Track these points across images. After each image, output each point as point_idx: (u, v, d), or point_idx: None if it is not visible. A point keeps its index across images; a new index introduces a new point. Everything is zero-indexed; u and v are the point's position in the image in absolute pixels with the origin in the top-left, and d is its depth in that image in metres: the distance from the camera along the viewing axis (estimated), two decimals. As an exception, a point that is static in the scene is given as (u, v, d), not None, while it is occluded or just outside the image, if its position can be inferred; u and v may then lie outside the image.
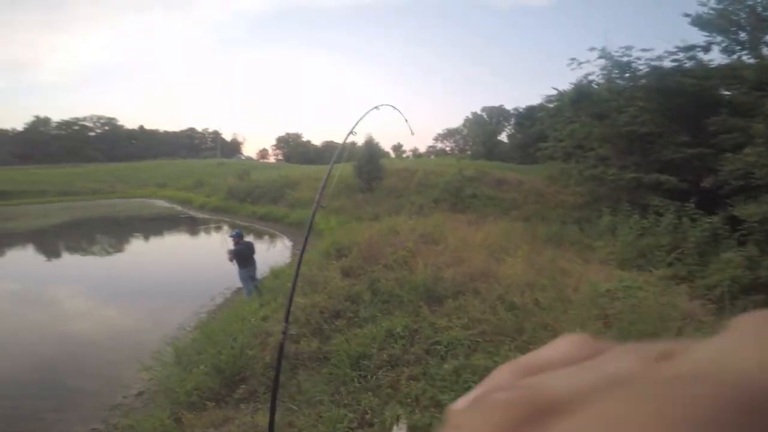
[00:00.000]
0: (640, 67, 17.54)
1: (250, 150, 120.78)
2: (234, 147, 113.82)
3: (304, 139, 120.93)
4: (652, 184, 15.04)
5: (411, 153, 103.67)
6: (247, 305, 6.86)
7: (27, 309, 11.01)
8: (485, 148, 53.22)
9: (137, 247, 20.98)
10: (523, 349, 4.25)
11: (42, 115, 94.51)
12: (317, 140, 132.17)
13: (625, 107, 16.79)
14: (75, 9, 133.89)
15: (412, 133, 4.35)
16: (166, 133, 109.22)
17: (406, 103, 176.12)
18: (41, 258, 18.29)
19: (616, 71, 18.36)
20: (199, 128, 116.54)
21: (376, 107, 3.69)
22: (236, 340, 4.97)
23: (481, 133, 55.04)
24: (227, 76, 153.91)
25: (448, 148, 67.48)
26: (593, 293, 5.18)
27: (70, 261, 17.84)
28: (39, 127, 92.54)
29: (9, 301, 11.79)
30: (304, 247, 3.00)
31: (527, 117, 49.99)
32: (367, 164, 24.40)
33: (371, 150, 25.14)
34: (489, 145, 53.54)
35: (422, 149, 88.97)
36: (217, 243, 12.06)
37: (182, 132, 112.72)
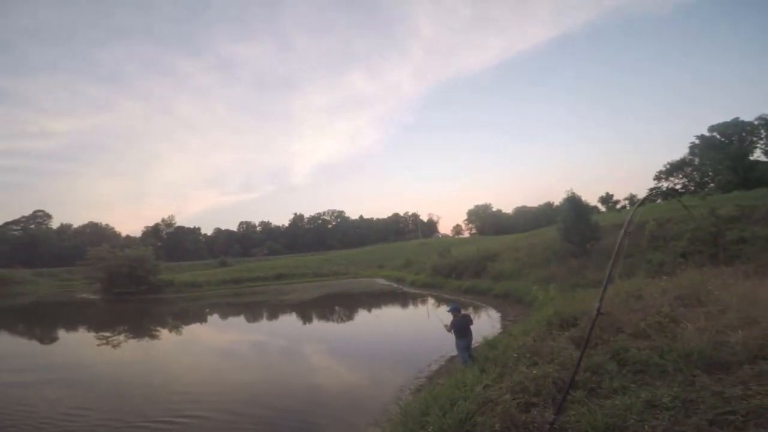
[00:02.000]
0: None
1: (445, 228, 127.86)
2: (431, 227, 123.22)
3: (494, 209, 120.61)
4: None
5: (627, 202, 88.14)
6: (468, 372, 6.75)
7: (289, 360, 14.20)
8: (737, 176, 40.32)
9: (368, 318, 24.42)
10: None
11: (298, 212, 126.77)
12: (507, 207, 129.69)
13: None
14: (303, 121, 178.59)
15: (686, 208, 3.73)
16: (378, 220, 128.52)
17: (601, 147, 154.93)
18: (301, 323, 23.61)
19: None
20: (401, 213, 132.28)
21: (650, 200, 3.37)
22: (457, 406, 4.89)
23: (723, 158, 42.37)
24: (410, 160, 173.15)
25: (678, 186, 54.05)
26: None
27: (322, 327, 22.38)
28: (297, 222, 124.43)
29: (280, 353, 15.46)
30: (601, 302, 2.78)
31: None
32: (575, 224, 21.87)
33: (576, 206, 22.46)
34: (741, 170, 40.41)
35: (641, 194, 74.53)
36: (428, 315, 12.78)
37: (389, 218, 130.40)
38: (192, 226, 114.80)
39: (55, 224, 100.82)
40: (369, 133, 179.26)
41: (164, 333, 22.55)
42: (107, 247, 47.64)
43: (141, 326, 24.79)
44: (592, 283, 15.58)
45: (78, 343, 20.21)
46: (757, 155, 41.70)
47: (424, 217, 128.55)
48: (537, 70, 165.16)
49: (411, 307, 26.31)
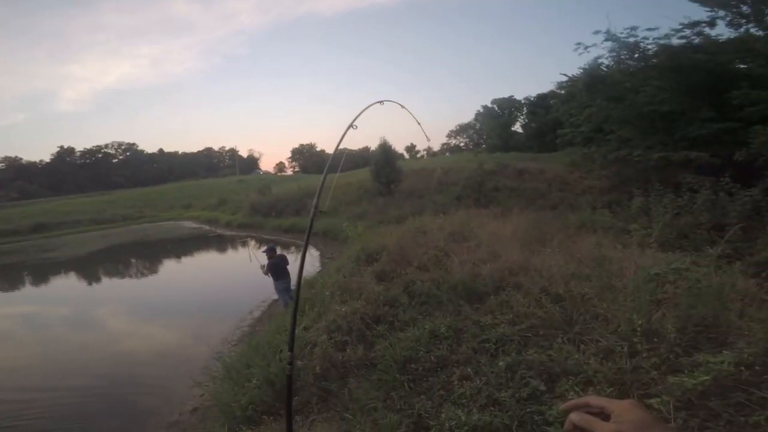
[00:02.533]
0: (649, 47, 17.41)
1: (267, 165, 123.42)
2: (251, 163, 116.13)
3: (318, 149, 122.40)
4: (681, 161, 14.63)
5: (425, 152, 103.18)
6: (286, 316, 6.96)
7: (81, 331, 11.64)
8: (501, 140, 52.39)
9: (172, 267, 21.74)
10: (576, 342, 4.12)
11: (66, 145, 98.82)
12: (331, 149, 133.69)
13: (641, 87, 16.66)
14: (83, 40, 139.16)
15: (420, 125, 4.29)
16: (185, 155, 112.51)
17: (415, 102, 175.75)
18: (83, 283, 19.21)
19: (625, 52, 18.29)
20: (216, 147, 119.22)
21: (380, 102, 3.62)
22: (282, 352, 5.05)
23: (495, 126, 54.26)
24: (236, 93, 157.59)
25: (462, 144, 66.80)
26: (642, 278, 4.97)
27: (109, 285, 18.69)
28: (65, 157, 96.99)
29: (63, 324, 12.47)
30: (302, 263, 2.95)
31: (540, 105, 49.09)
32: (384, 167, 24.49)
33: (386, 153, 25.23)
34: (504, 136, 52.71)
35: (436, 147, 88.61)
36: (247, 258, 12.32)
37: (200, 152, 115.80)
38: None
39: None
40: (183, 60, 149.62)
41: None
42: None
43: None
44: (394, 219, 17.88)
45: None
46: (517, 127, 54.65)
47: (244, 153, 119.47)
48: (379, 22, 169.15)
49: (227, 251, 24.82)
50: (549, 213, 14.76)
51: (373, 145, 28.77)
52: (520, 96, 55.96)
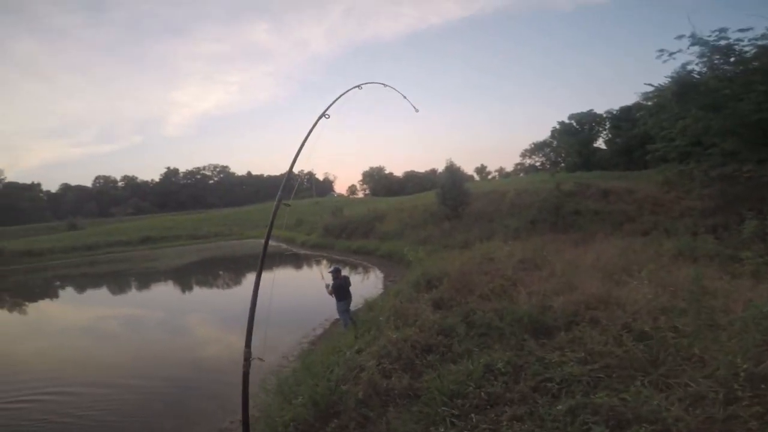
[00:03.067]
0: (746, 49, 15.33)
1: (340, 187, 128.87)
2: (327, 186, 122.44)
3: (387, 172, 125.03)
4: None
5: (497, 173, 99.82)
6: (344, 337, 6.95)
7: (165, 334, 13.13)
8: (581, 158, 48.65)
9: (251, 280, 23.21)
10: (659, 385, 3.62)
11: (172, 166, 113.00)
12: (399, 171, 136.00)
13: (744, 94, 14.48)
14: (184, 68, 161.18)
15: (405, 98, 4.54)
16: (269, 177, 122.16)
17: (486, 120, 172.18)
18: (176, 291, 21.71)
19: (718, 57, 16.10)
20: (296, 170, 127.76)
21: (357, 86, 3.54)
22: (332, 373, 5.01)
23: (573, 143, 50.58)
24: (313, 117, 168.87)
25: (538, 164, 63.30)
26: (754, 315, 4.20)
27: (197, 293, 20.81)
28: (171, 177, 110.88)
29: (153, 326, 14.13)
30: (260, 269, 2.83)
31: (624, 119, 44.78)
32: (451, 190, 23.90)
33: (453, 174, 24.64)
34: (585, 154, 48.89)
35: (509, 168, 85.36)
36: (317, 277, 12.87)
37: (282, 175, 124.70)
38: (30, 182, 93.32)
39: None
40: (266, 87, 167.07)
41: (1, 314, 18.50)
42: None
43: None
44: (460, 244, 17.30)
45: None
46: (599, 143, 50.64)
47: (320, 176, 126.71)
48: (442, 45, 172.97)
49: (300, 269, 26.00)
50: (639, 239, 13.08)
51: (440, 167, 28.53)
52: (600, 109, 51.92)
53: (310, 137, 3.51)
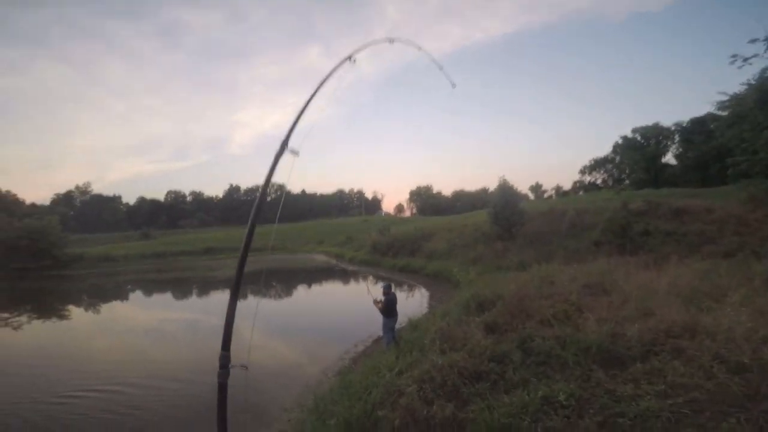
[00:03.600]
0: None
1: (388, 206, 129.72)
2: (375, 204, 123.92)
3: (435, 191, 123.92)
4: None
5: (553, 192, 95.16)
6: (384, 357, 6.58)
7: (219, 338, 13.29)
8: (648, 175, 44.94)
9: (302, 293, 23.79)
10: (760, 423, 3.09)
11: (234, 183, 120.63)
12: (447, 190, 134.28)
13: None
14: (245, 90, 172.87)
15: (441, 70, 3.86)
16: (321, 196, 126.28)
17: (540, 136, 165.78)
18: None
19: None
20: (346, 189, 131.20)
21: (389, 40, 3.19)
22: (370, 395, 4.69)
23: (639, 158, 46.86)
24: (362, 138, 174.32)
25: (599, 181, 59.26)
26: None
27: (251, 303, 21.30)
28: (233, 193, 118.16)
29: (209, 331, 14.47)
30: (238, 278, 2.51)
31: (696, 132, 40.91)
32: (504, 209, 22.79)
33: (506, 193, 23.46)
34: (652, 170, 45.14)
35: (567, 185, 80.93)
36: (362, 292, 12.94)
37: (333, 194, 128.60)
38: (111, 195, 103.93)
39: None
40: (320, 108, 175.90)
41: (78, 313, 20.16)
42: (3, 216, 40.92)
43: (48, 305, 21.95)
44: (514, 266, 16.33)
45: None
46: (668, 158, 46.58)
47: (369, 195, 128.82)
48: (489, 61, 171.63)
49: (346, 284, 26.09)
50: (722, 262, 11.48)
51: (492, 186, 27.50)
52: (666, 122, 47.78)
53: (329, 79, 3.23)
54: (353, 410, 4.45)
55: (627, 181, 48.44)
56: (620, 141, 51.18)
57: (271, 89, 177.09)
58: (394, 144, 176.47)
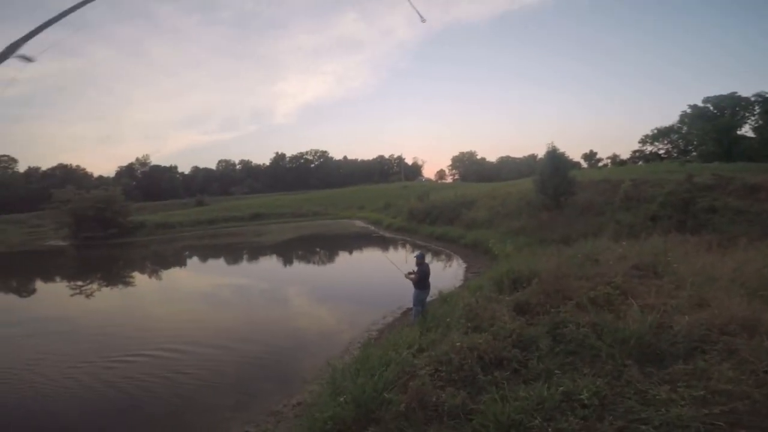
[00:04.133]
0: None
1: (429, 172, 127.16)
2: (415, 170, 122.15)
3: (479, 157, 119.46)
4: None
5: (609, 161, 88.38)
6: (407, 332, 6.46)
7: (261, 304, 14.36)
8: (720, 148, 40.32)
9: (340, 261, 24.49)
10: None
11: (279, 151, 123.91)
12: (492, 156, 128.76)
13: None
14: (286, 60, 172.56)
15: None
16: (363, 161, 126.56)
17: (598, 105, 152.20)
18: (278, 264, 23.79)
19: None
20: (387, 155, 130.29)
21: None
22: (384, 373, 4.61)
23: (710, 130, 42.03)
24: (402, 103, 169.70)
25: (662, 151, 53.90)
26: None
27: (294, 268, 22.55)
28: (279, 161, 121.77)
29: (254, 296, 15.56)
30: None
31: (780, 103, 35.74)
32: (552, 177, 21.25)
33: (555, 160, 21.82)
34: (726, 142, 40.38)
35: (625, 155, 74.62)
36: (397, 262, 12.86)
37: (374, 160, 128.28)
38: (168, 165, 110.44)
39: (22, 168, 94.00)
40: (358, 75, 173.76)
41: (141, 279, 21.98)
42: (72, 189, 44.05)
43: (115, 273, 24.01)
44: (559, 239, 15.38)
45: (51, 295, 19.10)
46: (745, 130, 41.52)
47: (409, 161, 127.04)
48: (537, 24, 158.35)
49: (380, 252, 26.29)
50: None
51: (541, 153, 25.64)
52: (746, 92, 42.06)
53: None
54: (365, 388, 4.39)
55: (694, 153, 43.84)
56: (689, 110, 46.03)
57: (309, 58, 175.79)
58: (436, 109, 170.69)
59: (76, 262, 30.60)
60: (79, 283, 20.75)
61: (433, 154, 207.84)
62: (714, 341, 4.24)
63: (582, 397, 3.41)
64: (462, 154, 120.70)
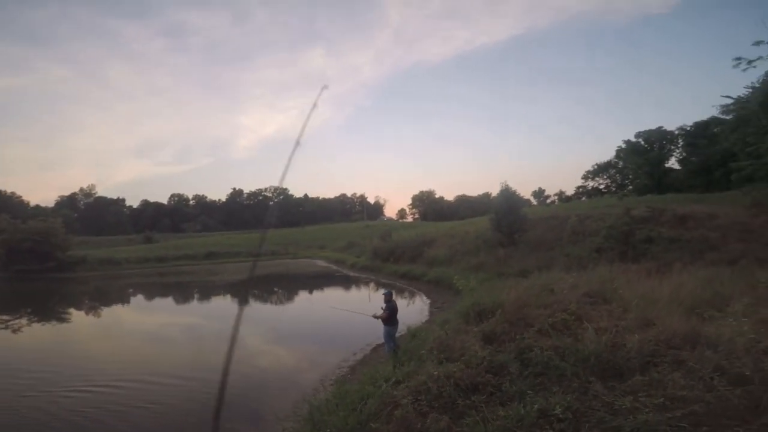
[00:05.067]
0: None
1: (390, 211, 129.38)
2: (377, 209, 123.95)
3: (437, 196, 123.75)
4: None
5: (556, 197, 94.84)
6: (383, 367, 6.51)
7: (219, 343, 13.27)
8: (652, 180, 44.63)
9: (301, 300, 23.76)
10: None
11: (237, 187, 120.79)
12: (450, 195, 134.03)
13: None
14: (248, 93, 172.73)
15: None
16: (324, 200, 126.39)
17: (542, 142, 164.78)
18: (232, 304, 22.41)
19: None
20: (349, 193, 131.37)
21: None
22: (365, 405, 4.65)
23: (642, 163, 46.52)
24: (365, 142, 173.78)
25: (602, 186, 58.95)
26: None
27: (251, 308, 21.29)
28: (236, 197, 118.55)
29: (209, 335, 14.32)
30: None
31: (701, 135, 40.67)
32: (506, 215, 22.58)
33: (509, 199, 23.25)
34: (656, 175, 44.86)
35: (570, 191, 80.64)
36: (362, 300, 12.77)
37: (336, 198, 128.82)
38: (115, 197, 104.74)
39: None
40: (322, 112, 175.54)
41: (78, 315, 20.29)
42: (6, 218, 40.79)
43: (49, 308, 22.01)
44: (516, 273, 16.20)
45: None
46: (672, 162, 46.32)
47: (371, 199, 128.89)
48: (493, 65, 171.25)
49: (349, 291, 26.01)
50: (726, 269, 11.39)
51: (495, 191, 27.26)
52: (670, 126, 47.42)
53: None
54: (348, 420, 4.39)
55: (630, 187, 48.16)
56: (623, 145, 50.97)
57: (273, 92, 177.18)
58: (397, 148, 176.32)
59: (3, 296, 27.76)
60: (5, 317, 18.77)
61: (394, 193, 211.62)
62: (663, 354, 4.72)
63: (556, 412, 3.68)
64: (422, 193, 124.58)
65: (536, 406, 3.79)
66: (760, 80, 16.20)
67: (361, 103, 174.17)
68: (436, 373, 4.72)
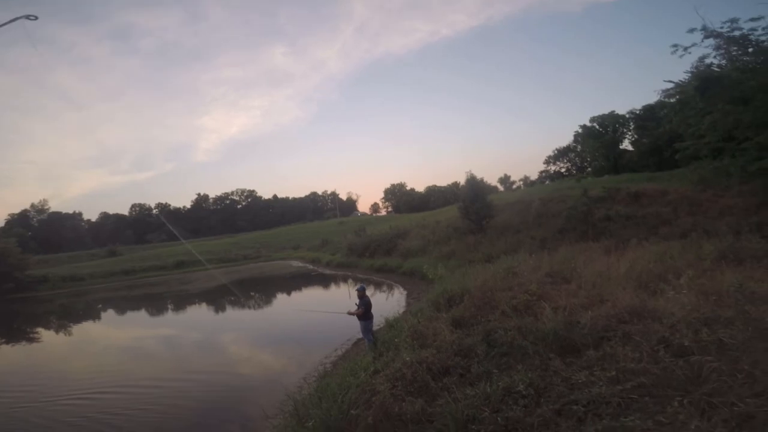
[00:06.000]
0: (762, 39, 14.91)
1: (364, 206, 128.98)
2: (350, 205, 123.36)
3: (408, 188, 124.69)
4: None
5: (522, 182, 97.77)
6: (362, 359, 6.74)
7: (200, 351, 13.40)
8: (608, 162, 46.96)
9: (279, 302, 23.56)
10: (702, 405, 3.27)
11: (202, 192, 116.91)
12: (420, 186, 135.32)
13: None
14: (210, 94, 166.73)
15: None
16: (295, 200, 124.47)
17: (506, 132, 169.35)
18: (208, 312, 22.29)
19: (735, 48, 15.59)
20: (320, 191, 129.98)
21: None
22: (346, 396, 4.87)
23: (598, 146, 48.89)
24: (333, 137, 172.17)
25: (563, 170, 61.50)
26: None
27: (227, 314, 21.19)
28: (201, 203, 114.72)
29: (189, 344, 14.31)
30: None
31: (649, 118, 43.06)
32: (473, 203, 23.30)
33: (475, 187, 24.02)
34: (612, 157, 47.23)
35: (534, 176, 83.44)
36: (342, 296, 12.91)
37: (307, 197, 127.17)
38: (72, 212, 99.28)
39: None
40: (287, 109, 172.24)
41: (48, 334, 19.42)
42: None
43: (14, 329, 20.93)
44: (485, 258, 16.77)
45: None
46: (626, 144, 48.80)
47: (344, 196, 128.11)
48: (457, 57, 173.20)
49: (326, 289, 26.03)
50: (677, 243, 12.28)
51: (463, 180, 27.92)
52: (622, 110, 49.94)
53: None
54: (330, 411, 4.58)
55: (589, 169, 50.46)
56: (580, 130, 53.18)
57: (235, 92, 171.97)
58: (366, 142, 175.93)
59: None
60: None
61: (367, 188, 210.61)
62: (614, 329, 5.10)
63: (519, 389, 4.00)
64: (393, 186, 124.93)
65: (501, 384, 4.11)
66: (694, 66, 17.37)
67: (328, 98, 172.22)
68: (409, 359, 4.99)
